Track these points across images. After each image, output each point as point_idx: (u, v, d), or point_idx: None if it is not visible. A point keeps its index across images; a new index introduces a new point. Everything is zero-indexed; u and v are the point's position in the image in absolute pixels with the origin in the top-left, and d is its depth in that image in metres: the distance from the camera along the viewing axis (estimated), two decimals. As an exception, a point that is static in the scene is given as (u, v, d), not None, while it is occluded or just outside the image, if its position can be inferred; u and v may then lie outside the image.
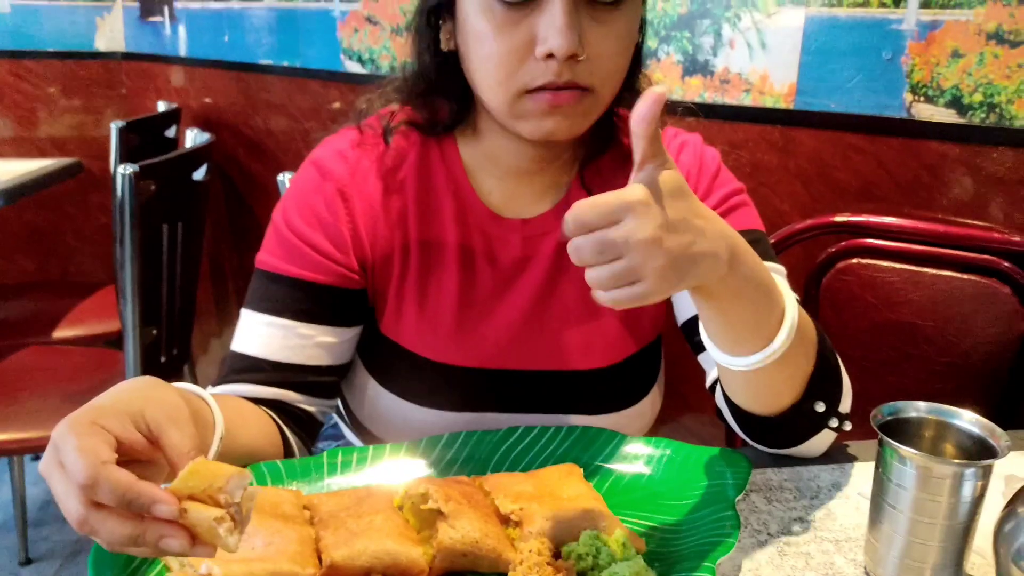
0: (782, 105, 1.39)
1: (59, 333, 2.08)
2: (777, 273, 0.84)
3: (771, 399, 0.75)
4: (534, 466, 0.79)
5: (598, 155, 0.87)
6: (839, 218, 1.24)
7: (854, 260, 1.23)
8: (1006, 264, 1.13)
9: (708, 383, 0.88)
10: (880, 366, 1.19)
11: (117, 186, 1.54)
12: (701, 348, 0.84)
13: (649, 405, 0.92)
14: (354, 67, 2.11)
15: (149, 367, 1.69)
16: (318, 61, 2.20)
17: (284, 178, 1.28)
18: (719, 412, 0.85)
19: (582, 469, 0.76)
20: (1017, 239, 1.13)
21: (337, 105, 2.18)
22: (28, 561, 2.03)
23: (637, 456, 0.80)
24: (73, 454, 0.51)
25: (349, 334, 0.87)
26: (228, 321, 2.76)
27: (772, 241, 1.24)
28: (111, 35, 2.86)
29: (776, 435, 0.80)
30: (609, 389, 0.89)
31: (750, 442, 0.83)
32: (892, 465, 0.63)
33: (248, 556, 0.59)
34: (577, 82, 0.73)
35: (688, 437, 0.81)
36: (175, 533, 0.51)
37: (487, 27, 0.73)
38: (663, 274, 0.57)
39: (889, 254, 1.20)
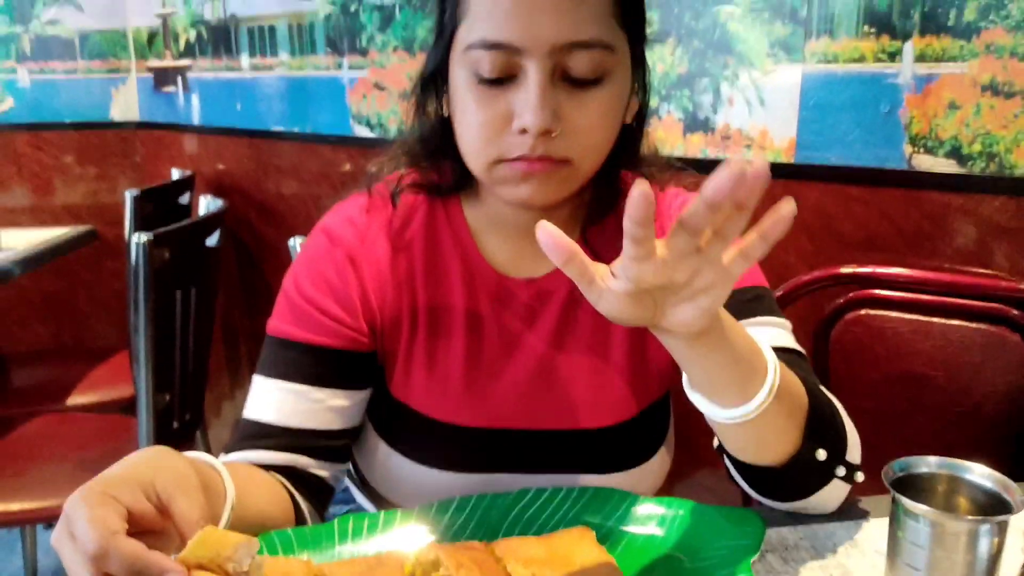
0: (783, 159, 1.41)
1: (72, 400, 2.09)
2: (782, 328, 0.85)
3: (766, 449, 0.74)
4: (546, 529, 0.78)
5: (602, 216, 0.88)
6: (845, 269, 1.25)
7: (862, 311, 1.23)
8: (1014, 312, 1.12)
9: (716, 443, 0.87)
10: (893, 418, 1.18)
11: (131, 254, 1.57)
12: None
13: (659, 463, 0.92)
14: (363, 131, 2.16)
15: (162, 433, 1.69)
16: (328, 126, 2.25)
17: (295, 242, 1.30)
18: (728, 472, 0.85)
19: (594, 532, 0.75)
20: (1024, 287, 1.13)
21: (348, 167, 2.22)
22: (39, 632, 2.01)
23: (650, 517, 0.79)
24: (84, 525, 0.51)
25: (360, 396, 0.87)
26: (241, 384, 2.76)
27: (780, 293, 1.25)
28: (126, 105, 2.94)
29: (783, 488, 0.79)
30: (618, 447, 0.88)
31: (762, 499, 0.82)
32: (906, 522, 0.62)
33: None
34: (551, 156, 0.75)
35: (704, 493, 0.81)
36: (184, 602, 0.51)
37: (470, 99, 0.76)
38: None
39: (897, 304, 1.20)
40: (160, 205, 2.32)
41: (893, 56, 1.28)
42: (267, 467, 0.82)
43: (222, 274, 2.09)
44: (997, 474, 0.65)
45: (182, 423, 1.82)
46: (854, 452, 0.77)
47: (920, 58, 1.25)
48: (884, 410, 1.20)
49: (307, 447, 0.84)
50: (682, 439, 0.99)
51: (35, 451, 1.78)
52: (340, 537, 0.76)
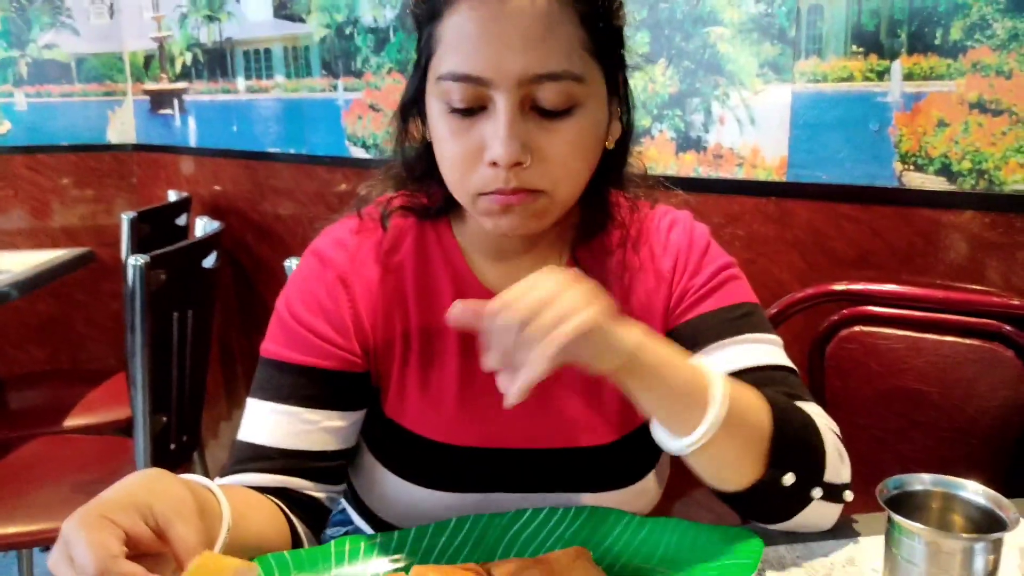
0: (774, 178, 1.42)
1: (69, 422, 2.08)
2: (771, 344, 0.85)
3: (723, 477, 0.75)
4: (543, 548, 0.78)
5: (589, 237, 0.89)
6: (838, 286, 1.26)
7: (856, 328, 1.23)
8: (1008, 328, 1.13)
9: None
10: (889, 434, 1.19)
11: (128, 276, 1.57)
12: None
13: (654, 481, 0.92)
14: (359, 152, 2.18)
15: (159, 455, 1.68)
16: (324, 148, 2.27)
17: (291, 263, 1.30)
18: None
19: (591, 552, 0.75)
20: (1017, 302, 1.14)
21: (343, 187, 2.23)
22: (35, 657, 1.99)
23: (647, 536, 0.79)
24: (83, 548, 0.52)
25: (354, 417, 0.87)
26: (238, 405, 2.76)
27: (774, 311, 1.26)
28: (122, 128, 2.96)
29: (756, 510, 0.79)
30: (613, 466, 0.88)
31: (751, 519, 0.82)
32: (901, 541, 0.63)
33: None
34: (525, 187, 0.75)
35: (701, 511, 0.81)
36: (182, 629, 0.51)
37: (444, 129, 0.77)
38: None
39: (890, 321, 1.21)
40: (157, 227, 2.32)
41: (881, 75, 1.29)
42: (262, 489, 0.82)
43: (219, 295, 2.09)
44: (991, 491, 0.65)
45: (179, 444, 1.82)
46: (837, 472, 0.77)
47: (908, 77, 1.27)
48: (881, 427, 1.20)
49: (302, 469, 0.84)
50: (677, 458, 0.99)
51: (32, 473, 1.78)
52: (337, 559, 0.76)
